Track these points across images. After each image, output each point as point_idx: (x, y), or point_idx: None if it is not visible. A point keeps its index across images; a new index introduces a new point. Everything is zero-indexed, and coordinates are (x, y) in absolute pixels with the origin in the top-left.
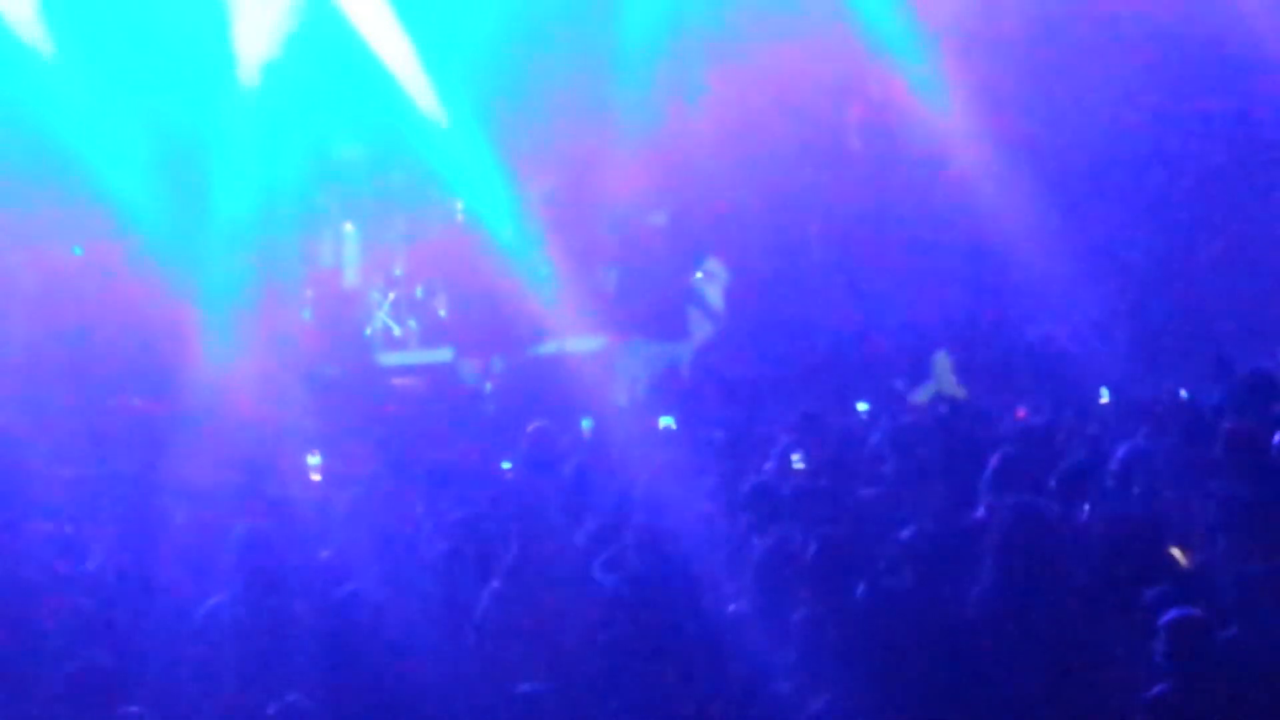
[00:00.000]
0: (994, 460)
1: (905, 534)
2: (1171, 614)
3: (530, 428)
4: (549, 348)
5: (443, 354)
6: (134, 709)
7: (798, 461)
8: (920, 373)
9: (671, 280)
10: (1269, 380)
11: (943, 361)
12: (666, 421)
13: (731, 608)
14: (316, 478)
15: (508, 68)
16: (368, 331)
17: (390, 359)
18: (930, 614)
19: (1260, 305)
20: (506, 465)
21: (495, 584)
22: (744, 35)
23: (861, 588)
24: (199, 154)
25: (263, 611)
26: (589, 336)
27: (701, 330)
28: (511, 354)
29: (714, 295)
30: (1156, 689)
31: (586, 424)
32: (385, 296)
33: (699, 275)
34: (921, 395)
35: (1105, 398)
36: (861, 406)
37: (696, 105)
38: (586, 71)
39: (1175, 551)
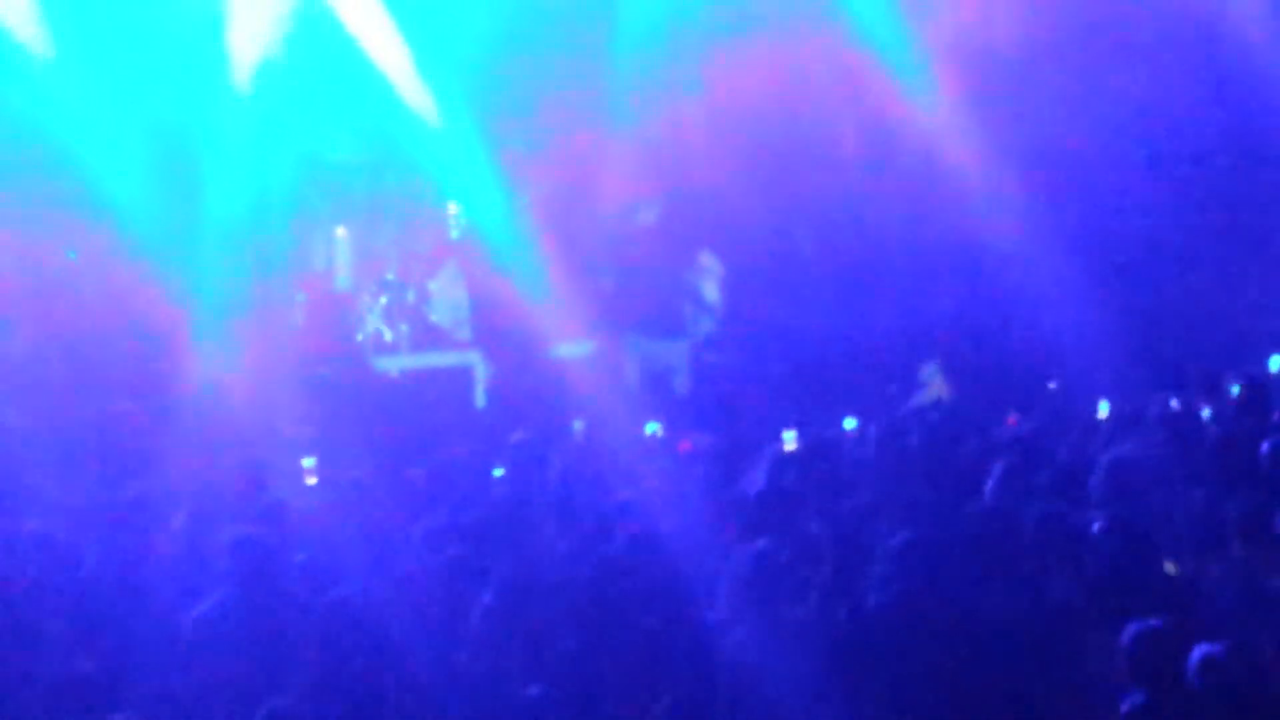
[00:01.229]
0: (998, 468)
1: (895, 541)
2: (1134, 626)
3: (514, 438)
4: (546, 351)
5: (435, 358)
6: (120, 716)
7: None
8: (912, 378)
9: (668, 278)
10: (1258, 389)
11: (932, 371)
12: (653, 428)
13: (714, 615)
14: (311, 481)
15: (501, 68)
16: (359, 336)
17: (384, 363)
18: (921, 621)
19: (1252, 313)
20: (499, 472)
21: (487, 598)
22: (739, 34)
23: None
24: (193, 157)
25: (254, 616)
26: (586, 339)
27: (699, 328)
28: (507, 358)
29: (710, 291)
30: (1127, 703)
31: (578, 425)
32: (377, 301)
33: (697, 270)
34: (918, 401)
35: (1103, 411)
36: (849, 423)
37: (691, 105)
38: (580, 71)
39: (1168, 565)
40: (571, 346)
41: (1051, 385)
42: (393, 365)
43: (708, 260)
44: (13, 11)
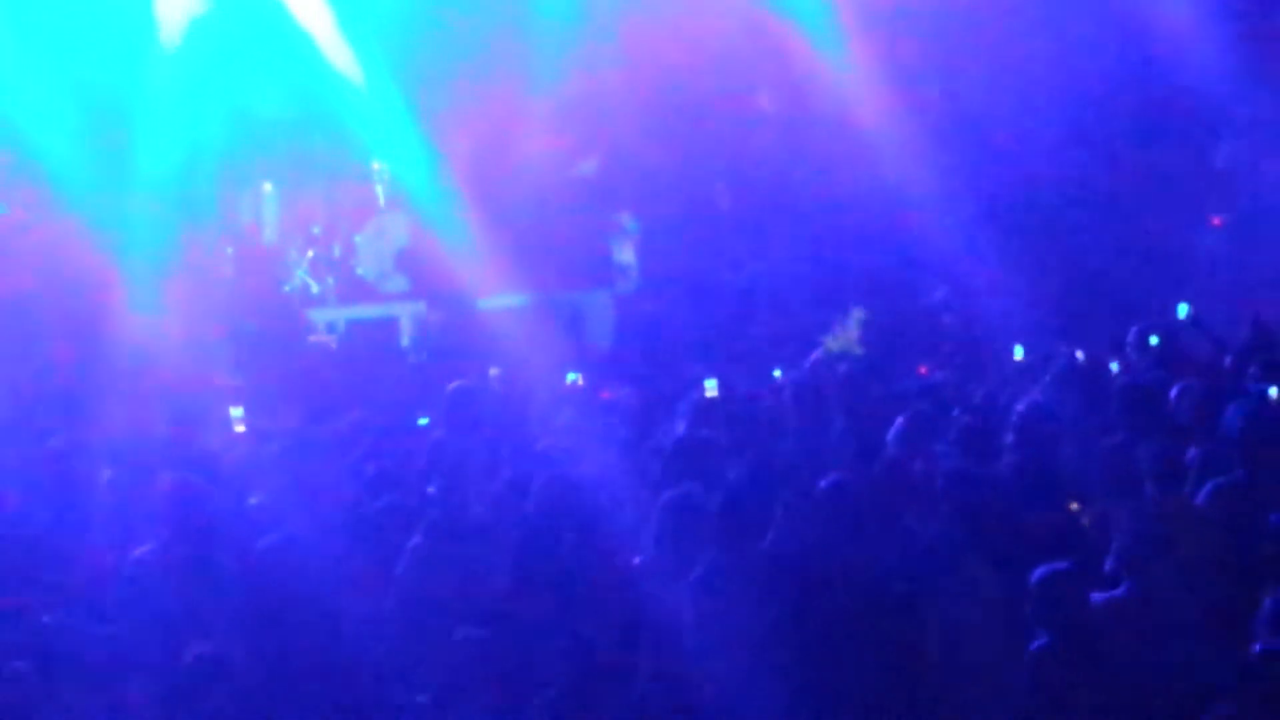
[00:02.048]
0: (902, 417)
1: (821, 486)
2: (1040, 570)
3: (451, 386)
4: (471, 303)
5: (362, 310)
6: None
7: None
8: (829, 329)
9: (589, 233)
10: (1160, 334)
11: (856, 317)
12: (573, 377)
13: (637, 560)
14: (240, 430)
15: (423, 27)
16: (287, 288)
17: (312, 315)
18: (834, 567)
19: (1154, 267)
20: (423, 421)
21: (417, 539)
22: None
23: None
24: (122, 112)
25: (187, 561)
26: (515, 293)
27: (621, 281)
28: (433, 309)
29: (627, 247)
30: (1034, 644)
31: (493, 372)
32: (304, 255)
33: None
34: (831, 344)
35: (1019, 355)
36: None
37: (609, 63)
38: (500, 30)
39: (1073, 506)
40: (501, 299)
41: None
42: (320, 317)
43: (625, 217)
44: None
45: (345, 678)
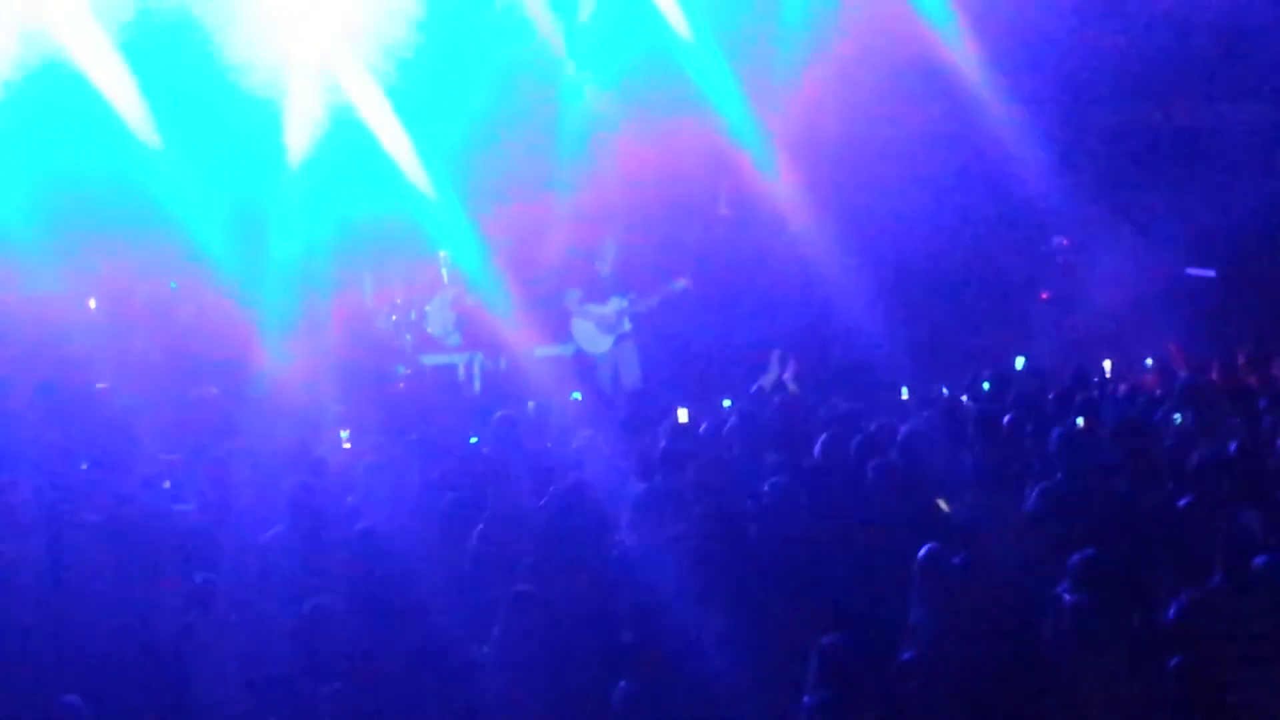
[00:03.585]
0: (821, 438)
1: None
2: (924, 549)
3: (497, 415)
4: (519, 353)
5: (431, 359)
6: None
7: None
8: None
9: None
10: (1003, 379)
11: (776, 359)
12: (576, 395)
13: (619, 537)
14: (346, 446)
15: (474, 153)
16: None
17: (429, 360)
18: (773, 541)
19: (1000, 328)
20: (474, 440)
21: (480, 526)
22: (644, 125)
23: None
24: (262, 213)
25: (305, 542)
26: (557, 345)
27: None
28: (484, 358)
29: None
30: (914, 616)
31: (530, 405)
32: (391, 317)
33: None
34: (764, 382)
35: (904, 394)
36: (726, 403)
37: (608, 175)
38: (530, 155)
39: (940, 502)
40: (547, 349)
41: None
42: (402, 364)
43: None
44: (129, 107)
45: (425, 626)
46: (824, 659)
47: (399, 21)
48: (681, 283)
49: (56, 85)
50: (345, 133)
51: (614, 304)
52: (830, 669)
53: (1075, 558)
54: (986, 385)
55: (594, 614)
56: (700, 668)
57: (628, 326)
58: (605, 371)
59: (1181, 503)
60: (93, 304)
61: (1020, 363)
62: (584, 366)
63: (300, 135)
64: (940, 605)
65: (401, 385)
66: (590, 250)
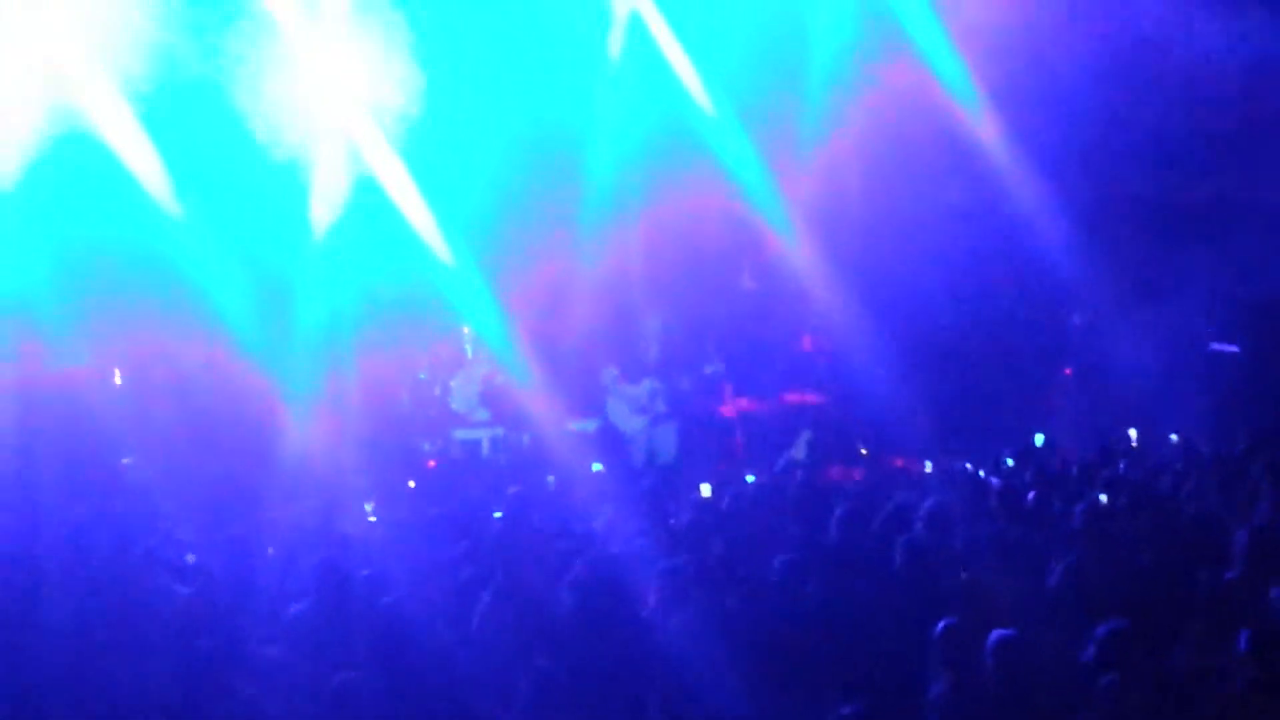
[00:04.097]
0: (839, 510)
1: (780, 560)
2: (941, 624)
3: (510, 490)
4: (544, 426)
5: (456, 434)
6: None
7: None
8: (788, 445)
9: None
10: (1025, 454)
11: (804, 436)
12: (598, 467)
13: (644, 612)
14: (371, 519)
15: (493, 230)
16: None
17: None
18: (794, 615)
19: (1022, 404)
20: (498, 515)
21: (486, 597)
22: (657, 196)
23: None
24: (286, 290)
25: (330, 616)
26: (588, 419)
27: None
28: (508, 433)
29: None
30: (935, 689)
31: (550, 479)
32: (415, 392)
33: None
34: (795, 453)
35: (929, 468)
36: (749, 478)
37: (629, 250)
38: (549, 228)
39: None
40: (579, 424)
41: (863, 451)
42: (426, 440)
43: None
44: (151, 177)
45: (445, 695)
46: None
47: (424, 93)
48: (715, 366)
49: (79, 156)
50: (369, 204)
51: (647, 384)
52: None
53: (1102, 629)
54: (1010, 461)
55: (619, 690)
56: None
57: (662, 408)
58: (639, 449)
59: (1228, 576)
60: (117, 378)
61: (1040, 439)
62: (611, 441)
63: (324, 207)
64: (960, 678)
65: (431, 462)
66: (633, 329)
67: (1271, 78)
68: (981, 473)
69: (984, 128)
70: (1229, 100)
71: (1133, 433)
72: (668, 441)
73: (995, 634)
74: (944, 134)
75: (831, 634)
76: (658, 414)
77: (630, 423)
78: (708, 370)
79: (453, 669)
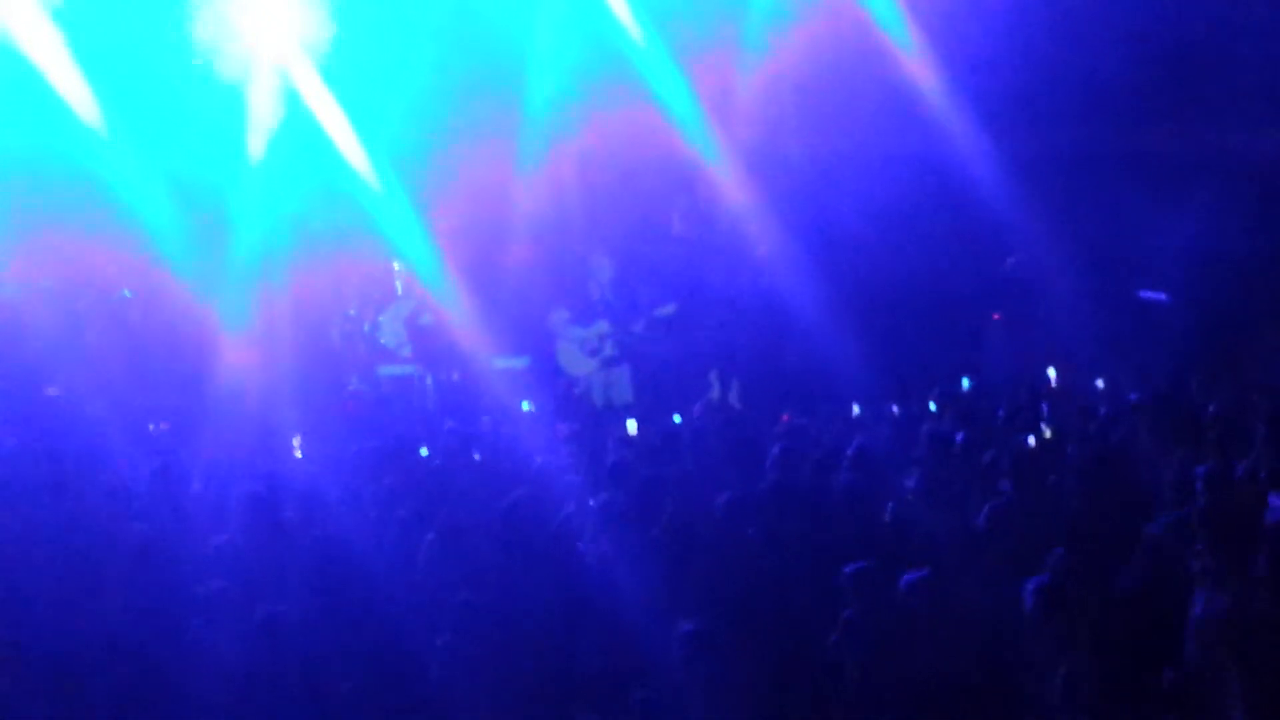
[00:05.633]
0: (775, 449)
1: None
2: (850, 567)
3: (446, 427)
4: (471, 364)
5: (385, 369)
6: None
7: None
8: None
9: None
10: (953, 397)
11: (715, 378)
12: (527, 406)
13: (580, 545)
14: (299, 455)
15: (428, 156)
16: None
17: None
18: (719, 550)
19: (949, 348)
20: (424, 452)
21: (430, 536)
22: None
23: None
24: (219, 215)
25: (256, 548)
26: (515, 356)
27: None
28: (440, 369)
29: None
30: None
31: (485, 420)
32: (343, 328)
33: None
34: (707, 399)
35: (856, 410)
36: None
37: (571, 185)
38: (485, 155)
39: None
40: (504, 360)
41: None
42: (353, 374)
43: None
44: (81, 103)
45: (377, 630)
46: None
47: (360, 25)
48: (669, 309)
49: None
50: (303, 135)
51: (598, 328)
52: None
53: (1051, 555)
54: (933, 405)
55: (546, 623)
56: (656, 679)
57: (612, 351)
58: (596, 393)
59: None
60: (44, 307)
61: (966, 383)
62: (544, 379)
63: (258, 135)
64: (864, 617)
65: (353, 397)
66: (580, 270)
67: (1215, 27)
68: (910, 415)
69: (922, 73)
70: (1167, 48)
71: (1051, 372)
72: (622, 384)
73: (907, 575)
74: (879, 76)
75: (766, 575)
76: (608, 357)
77: (581, 365)
78: (660, 313)
79: (384, 603)
